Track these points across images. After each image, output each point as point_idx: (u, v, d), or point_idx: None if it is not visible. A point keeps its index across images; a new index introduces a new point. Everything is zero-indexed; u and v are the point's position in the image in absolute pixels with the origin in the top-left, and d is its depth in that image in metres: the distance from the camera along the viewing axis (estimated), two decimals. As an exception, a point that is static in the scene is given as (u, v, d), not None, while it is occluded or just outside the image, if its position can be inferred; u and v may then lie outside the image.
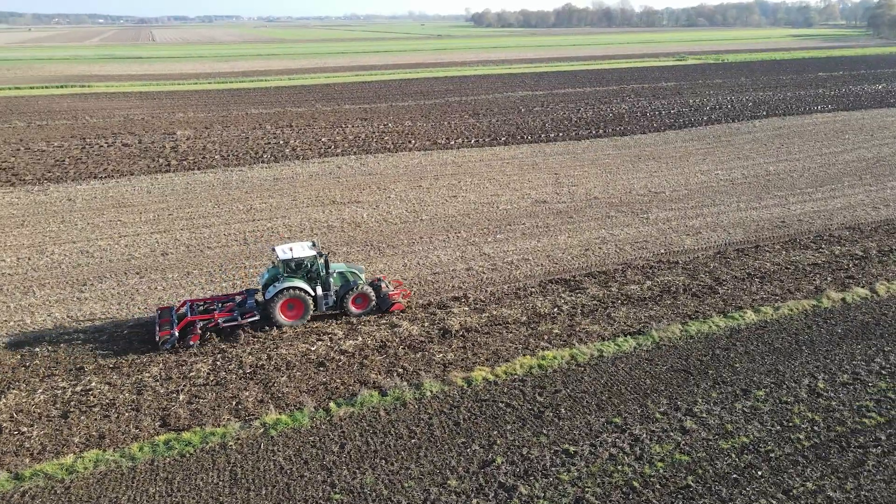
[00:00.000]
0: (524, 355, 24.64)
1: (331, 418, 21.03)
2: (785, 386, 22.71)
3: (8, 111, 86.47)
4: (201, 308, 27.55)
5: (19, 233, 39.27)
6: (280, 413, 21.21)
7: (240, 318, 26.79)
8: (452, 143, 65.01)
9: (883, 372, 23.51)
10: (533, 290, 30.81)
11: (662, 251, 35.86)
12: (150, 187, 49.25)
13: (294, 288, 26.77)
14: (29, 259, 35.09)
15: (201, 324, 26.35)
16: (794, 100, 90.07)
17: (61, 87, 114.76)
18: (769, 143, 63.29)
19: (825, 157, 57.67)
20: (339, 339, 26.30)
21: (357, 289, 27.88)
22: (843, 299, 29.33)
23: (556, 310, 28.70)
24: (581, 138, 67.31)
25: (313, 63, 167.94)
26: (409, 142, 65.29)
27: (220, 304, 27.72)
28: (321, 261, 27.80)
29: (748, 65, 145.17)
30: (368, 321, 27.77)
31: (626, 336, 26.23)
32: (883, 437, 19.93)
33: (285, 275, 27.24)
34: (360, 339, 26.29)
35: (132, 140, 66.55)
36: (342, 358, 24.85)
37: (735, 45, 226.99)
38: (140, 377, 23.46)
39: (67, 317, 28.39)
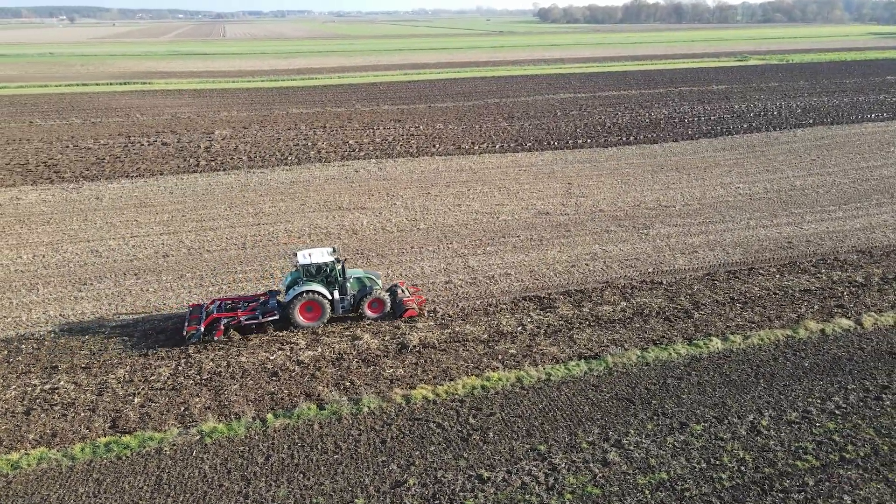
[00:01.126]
0: (470, 375, 24.94)
1: (266, 429, 21.95)
2: (726, 421, 22.23)
3: (70, 108, 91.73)
4: (228, 306, 29.25)
5: (43, 230, 42.02)
6: (219, 421, 22.28)
7: (261, 318, 28.41)
8: (476, 148, 65.22)
9: (836, 412, 22.67)
10: (504, 306, 30.96)
11: (650, 270, 35.26)
12: (174, 188, 51.63)
13: (312, 291, 28.31)
14: (44, 256, 37.57)
15: (225, 321, 28.05)
16: (848, 106, 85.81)
17: (124, 83, 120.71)
18: (804, 155, 60.75)
19: (861, 171, 54.99)
20: (299, 349, 27.24)
21: (373, 294, 29.23)
22: (823, 330, 28.25)
23: (519, 328, 28.79)
24: (608, 145, 66.30)
25: (368, 61, 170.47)
26: (433, 146, 65.88)
27: (245, 304, 29.33)
28: (339, 266, 29.08)
29: (812, 66, 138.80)
30: (333, 332, 28.61)
31: (580, 360, 26.13)
32: (811, 483, 19.33)
33: (305, 279, 28.71)
34: (320, 350, 27.15)
35: (172, 139, 69.68)
36: (297, 368, 25.77)
37: (808, 43, 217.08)
38: (105, 378, 25.02)
39: (60, 315, 30.40)
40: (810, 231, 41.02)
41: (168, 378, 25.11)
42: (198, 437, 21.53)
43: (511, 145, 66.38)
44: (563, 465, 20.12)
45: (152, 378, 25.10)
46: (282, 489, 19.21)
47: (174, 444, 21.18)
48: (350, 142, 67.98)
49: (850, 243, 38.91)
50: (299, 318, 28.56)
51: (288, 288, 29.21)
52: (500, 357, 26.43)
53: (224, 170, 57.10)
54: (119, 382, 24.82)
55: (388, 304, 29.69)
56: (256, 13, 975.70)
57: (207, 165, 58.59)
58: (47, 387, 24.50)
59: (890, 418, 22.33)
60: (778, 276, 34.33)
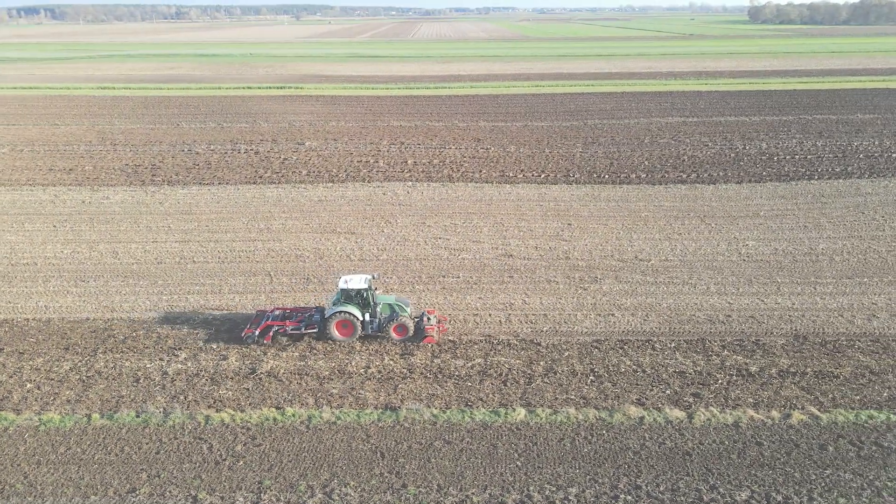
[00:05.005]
0: (271, 407, 28.54)
1: (87, 427, 27.50)
2: (443, 491, 23.64)
3: (217, 111, 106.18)
4: (286, 315, 35.59)
5: (97, 229, 51.95)
6: (57, 413, 28.24)
7: (303, 329, 34.60)
8: (519, 176, 66.40)
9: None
10: (368, 348, 33.76)
11: (546, 329, 35.73)
12: (223, 198, 59.89)
13: (346, 312, 34.20)
14: (77, 254, 46.93)
15: (275, 329, 34.50)
16: None
17: (280, 87, 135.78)
18: (869, 212, 54.18)
19: (916, 238, 48.26)
20: (177, 361, 32.60)
21: (398, 319, 34.46)
22: (642, 418, 27.67)
23: (362, 371, 31.62)
24: (658, 182, 63.93)
25: (520, 68, 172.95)
26: (480, 172, 68.16)
27: (296, 315, 35.60)
28: (371, 293, 34.76)
29: None
30: (211, 349, 33.56)
31: (381, 409, 28.50)
32: (453, 565, 20.58)
33: (343, 300, 34.69)
34: (190, 364, 32.29)
35: (265, 148, 79.26)
36: (158, 378, 31.12)
37: None
38: (24, 364, 32.28)
39: (45, 307, 38.74)
40: (768, 306, 38.12)
41: (66, 371, 31.75)
42: (37, 423, 27.68)
43: (557, 176, 66.60)
44: (267, 502, 23.26)
45: (56, 369, 31.90)
46: (53, 476, 24.60)
47: (18, 427, 27.51)
48: (409, 161, 72.55)
49: (796, 326, 35.80)
50: (335, 333, 34.19)
51: (332, 306, 34.93)
52: (319, 394, 29.65)
53: (277, 183, 64.59)
54: (34, 370, 31.92)
55: (411, 330, 34.31)
56: (463, 10, 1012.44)
57: (269, 178, 66.50)
58: (-17, 366, 32.34)
59: (603, 521, 22.33)
60: (669, 352, 33.17)
